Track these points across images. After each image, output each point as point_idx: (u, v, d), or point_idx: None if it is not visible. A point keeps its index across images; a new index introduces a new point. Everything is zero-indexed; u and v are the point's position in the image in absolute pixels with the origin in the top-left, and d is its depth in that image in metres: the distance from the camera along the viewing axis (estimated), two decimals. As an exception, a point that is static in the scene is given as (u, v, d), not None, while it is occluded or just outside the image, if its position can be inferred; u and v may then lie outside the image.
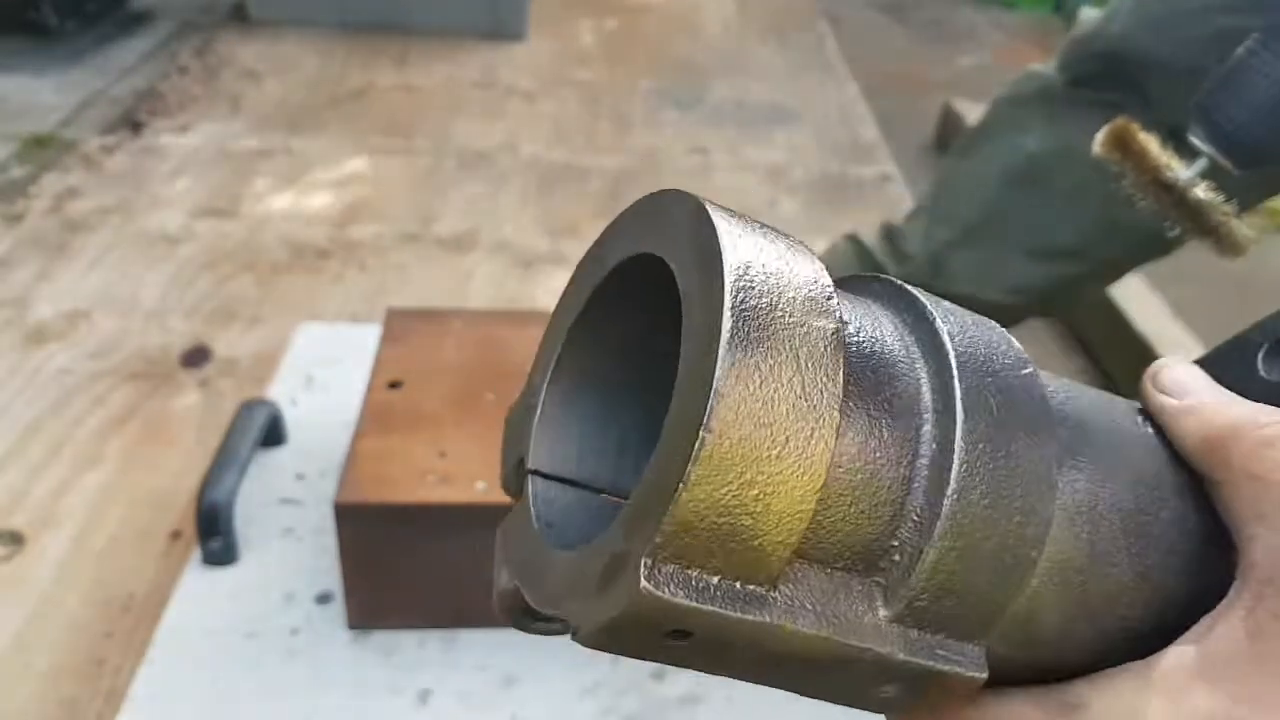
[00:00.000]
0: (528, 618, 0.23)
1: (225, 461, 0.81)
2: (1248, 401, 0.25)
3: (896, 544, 0.20)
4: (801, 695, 0.22)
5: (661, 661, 0.20)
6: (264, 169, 1.55)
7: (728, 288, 0.19)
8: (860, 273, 0.26)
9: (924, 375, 0.21)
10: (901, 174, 1.73)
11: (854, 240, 1.19)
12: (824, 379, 0.19)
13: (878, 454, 0.20)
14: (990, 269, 1.07)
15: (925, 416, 0.21)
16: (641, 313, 0.23)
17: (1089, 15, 0.97)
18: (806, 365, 0.19)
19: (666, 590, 0.18)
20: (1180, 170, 0.48)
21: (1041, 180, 1.02)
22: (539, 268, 1.36)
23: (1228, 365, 0.28)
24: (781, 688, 0.22)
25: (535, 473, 0.25)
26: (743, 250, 0.20)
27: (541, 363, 0.26)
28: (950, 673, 0.21)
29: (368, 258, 1.34)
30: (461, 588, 0.74)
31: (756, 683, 0.22)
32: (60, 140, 1.61)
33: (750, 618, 0.19)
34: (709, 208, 0.21)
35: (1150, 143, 0.48)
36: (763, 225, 0.21)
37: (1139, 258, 1.07)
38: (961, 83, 2.32)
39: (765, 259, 0.20)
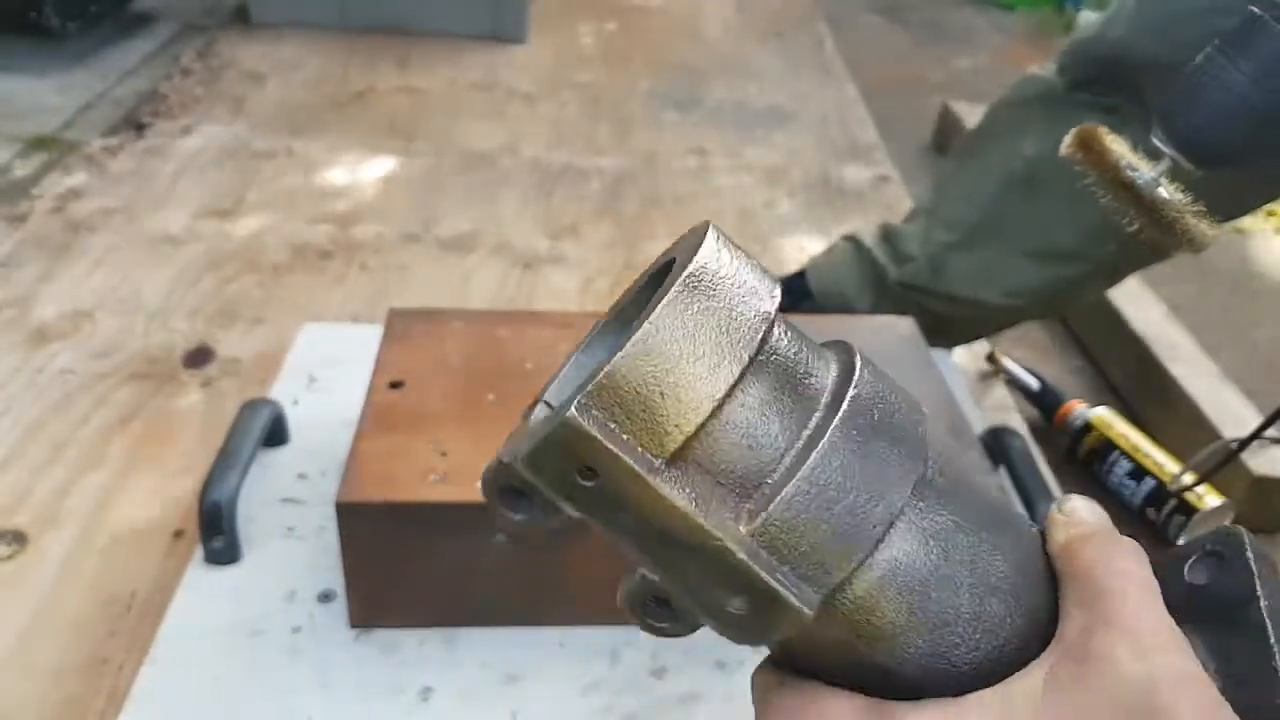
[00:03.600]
0: (498, 494, 0.28)
1: (227, 461, 0.82)
2: (1103, 522, 0.30)
3: (769, 483, 0.26)
4: (673, 587, 0.27)
5: (573, 507, 0.26)
6: (266, 170, 1.56)
7: (699, 256, 0.26)
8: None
9: (829, 386, 0.27)
10: (900, 175, 1.74)
11: (854, 241, 1.19)
12: (745, 335, 0.25)
13: (773, 414, 0.26)
14: (989, 271, 1.08)
15: (819, 408, 0.27)
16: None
17: (1088, 19, 0.97)
18: (734, 320, 0.25)
19: (588, 422, 0.24)
20: (1144, 170, 0.50)
21: (1040, 183, 1.02)
22: (539, 268, 1.37)
23: (1163, 572, 0.32)
24: (659, 569, 0.27)
25: (544, 402, 0.29)
26: (724, 250, 0.27)
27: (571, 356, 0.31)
28: (781, 595, 0.25)
29: (369, 259, 1.35)
30: (463, 586, 0.75)
31: (642, 556, 0.27)
32: (63, 141, 1.61)
33: (641, 471, 0.24)
34: (713, 227, 0.27)
35: (1114, 144, 0.50)
36: (746, 261, 0.27)
37: (1137, 261, 1.08)
38: (960, 84, 2.33)
39: (739, 262, 0.26)
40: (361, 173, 1.58)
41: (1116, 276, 1.12)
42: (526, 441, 0.26)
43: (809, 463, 0.25)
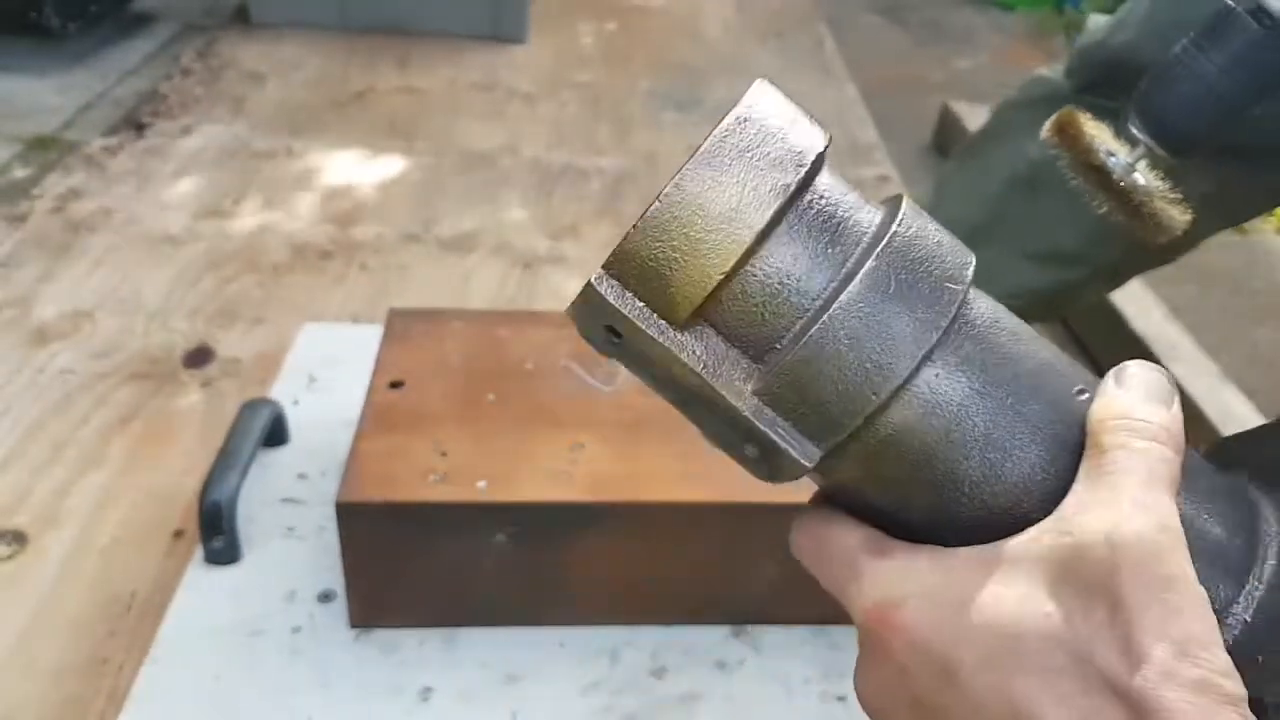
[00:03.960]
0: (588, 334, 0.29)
1: (227, 461, 0.82)
2: (1147, 397, 0.29)
3: (779, 347, 0.27)
4: (700, 430, 0.29)
5: (616, 358, 0.29)
6: (266, 170, 1.56)
7: (716, 131, 0.27)
8: None
9: (860, 249, 0.28)
10: (900, 175, 1.74)
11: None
12: (756, 209, 0.26)
13: (787, 281, 0.27)
14: (990, 271, 1.07)
15: (838, 275, 0.27)
16: None
17: (1097, 22, 0.98)
18: (748, 194, 0.26)
19: (604, 290, 0.27)
20: (1121, 155, 0.51)
21: (1044, 185, 1.02)
22: (539, 268, 1.37)
23: (1270, 435, 0.32)
24: (688, 416, 0.29)
25: None
26: (761, 107, 0.28)
27: None
28: (781, 448, 0.27)
29: (369, 259, 1.35)
30: (463, 586, 0.75)
31: (675, 405, 0.29)
32: (63, 141, 1.61)
33: (653, 335, 0.27)
34: (756, 91, 0.28)
35: (1093, 128, 0.52)
36: (803, 113, 0.28)
37: (1139, 264, 1.08)
38: (959, 84, 2.33)
39: (766, 133, 0.27)
40: (362, 173, 1.59)
41: (1118, 280, 1.12)
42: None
43: (812, 331, 0.26)
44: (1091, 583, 0.25)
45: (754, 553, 0.74)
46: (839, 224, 0.28)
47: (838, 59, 2.24)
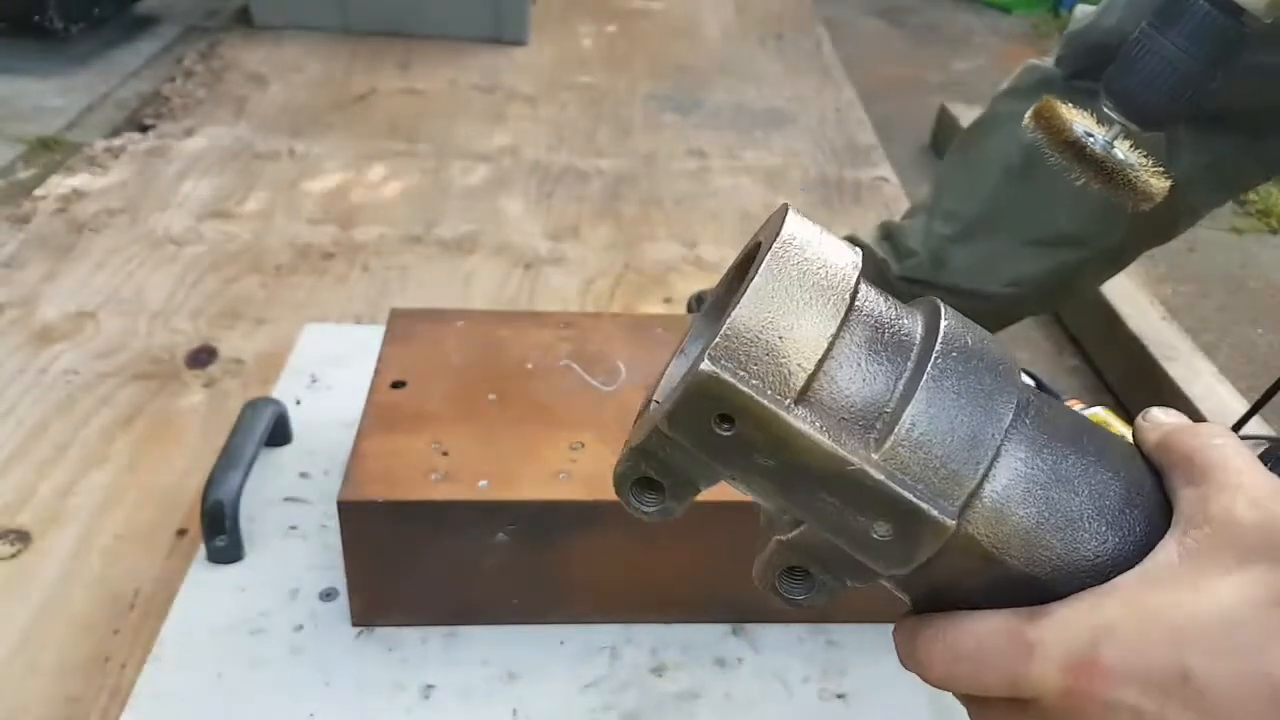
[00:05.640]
0: (630, 487, 0.31)
1: (230, 460, 0.82)
2: (1179, 418, 0.32)
3: (888, 411, 0.27)
4: (816, 522, 0.28)
5: (710, 457, 0.27)
6: (269, 172, 1.57)
7: (788, 224, 0.28)
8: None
9: (920, 330, 0.29)
10: (898, 176, 1.74)
11: (853, 241, 1.20)
12: (842, 281, 0.28)
13: (878, 352, 0.28)
14: (990, 262, 1.08)
15: (916, 342, 0.29)
16: None
17: (1084, 9, 0.99)
18: (830, 269, 0.28)
19: (721, 369, 0.26)
20: (1100, 134, 0.55)
21: (1039, 169, 1.02)
22: (539, 269, 1.37)
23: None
24: (801, 510, 0.28)
25: (654, 401, 0.31)
26: (805, 220, 0.29)
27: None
28: (922, 509, 0.26)
29: (371, 259, 1.36)
30: (464, 584, 0.75)
31: (781, 498, 0.28)
32: (66, 142, 1.62)
33: (774, 409, 0.26)
34: (789, 209, 0.30)
35: (1071, 113, 0.56)
36: (826, 232, 0.30)
37: (1141, 242, 1.08)
38: (958, 86, 2.34)
39: (819, 228, 0.29)
40: (363, 174, 1.59)
41: (1120, 260, 1.11)
42: (665, 405, 0.28)
43: (922, 386, 0.27)
44: (1252, 544, 0.27)
45: (753, 551, 0.75)
46: (896, 308, 0.30)
47: (836, 61, 2.25)
